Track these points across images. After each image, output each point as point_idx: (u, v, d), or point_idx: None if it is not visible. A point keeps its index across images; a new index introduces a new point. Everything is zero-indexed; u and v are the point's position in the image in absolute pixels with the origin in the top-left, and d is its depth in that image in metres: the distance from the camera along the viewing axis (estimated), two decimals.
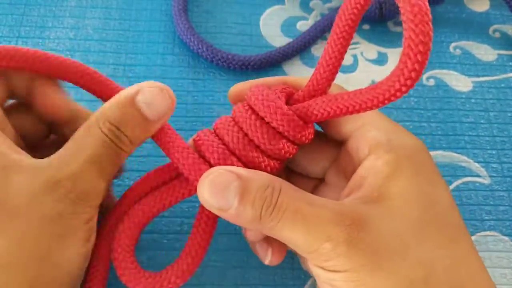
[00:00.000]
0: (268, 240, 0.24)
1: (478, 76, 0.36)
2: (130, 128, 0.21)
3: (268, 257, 0.24)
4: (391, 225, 0.19)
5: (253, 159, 0.21)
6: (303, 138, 0.22)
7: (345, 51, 0.21)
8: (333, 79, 0.21)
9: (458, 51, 0.37)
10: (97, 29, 0.35)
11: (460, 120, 0.34)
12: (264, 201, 0.19)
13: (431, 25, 0.16)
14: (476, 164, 0.32)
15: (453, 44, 0.37)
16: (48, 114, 0.23)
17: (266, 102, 0.21)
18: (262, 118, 0.21)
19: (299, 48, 0.35)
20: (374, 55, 0.36)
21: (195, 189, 0.22)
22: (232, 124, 0.22)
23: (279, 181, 0.20)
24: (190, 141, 0.24)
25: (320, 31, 0.36)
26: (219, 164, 0.21)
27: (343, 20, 0.20)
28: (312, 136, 0.22)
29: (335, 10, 0.36)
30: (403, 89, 0.17)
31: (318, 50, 0.36)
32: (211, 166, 0.22)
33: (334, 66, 0.21)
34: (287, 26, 0.37)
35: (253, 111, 0.22)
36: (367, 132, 0.22)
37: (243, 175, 0.20)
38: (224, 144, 0.22)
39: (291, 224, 0.19)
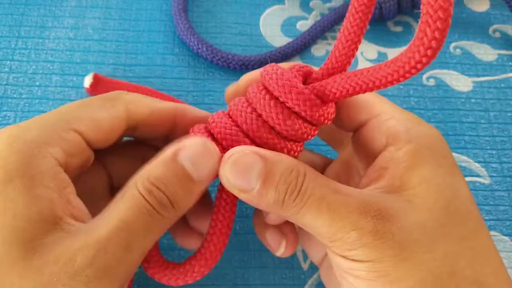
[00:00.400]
0: (282, 231, 0.24)
1: (478, 76, 0.36)
2: (171, 188, 0.19)
3: (281, 249, 0.24)
4: (415, 217, 0.19)
5: (268, 141, 0.20)
6: (322, 118, 0.20)
7: (366, 25, 0.19)
8: (353, 55, 0.20)
9: (458, 51, 0.37)
10: (97, 29, 0.35)
11: (460, 120, 0.34)
12: (288, 185, 0.19)
13: None
14: (476, 164, 0.32)
15: (453, 44, 0.37)
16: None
17: (280, 81, 0.20)
18: (277, 98, 0.20)
19: (299, 48, 0.35)
20: (374, 55, 0.36)
21: None
22: (246, 105, 0.21)
23: (303, 166, 0.19)
24: None
25: (320, 31, 0.36)
26: (232, 147, 0.20)
27: None
28: (333, 116, 0.21)
29: (335, 10, 0.36)
30: (424, 60, 0.16)
31: (318, 50, 0.36)
32: (223, 148, 0.21)
33: (354, 41, 0.20)
34: (287, 26, 0.37)
35: (268, 91, 0.21)
36: (385, 122, 0.21)
37: (268, 157, 0.19)
38: (237, 126, 0.21)
39: (315, 211, 0.18)
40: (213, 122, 0.21)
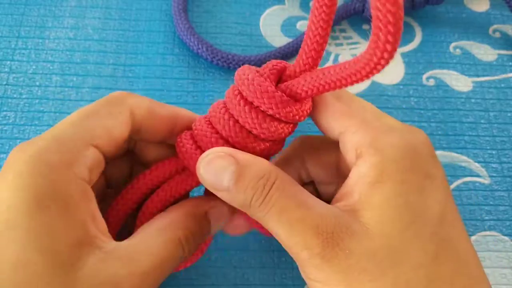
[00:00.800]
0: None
1: (478, 76, 0.36)
2: (198, 239, 0.22)
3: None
4: (367, 243, 0.18)
5: (247, 145, 0.21)
6: (297, 117, 0.21)
7: (331, 18, 0.19)
8: (322, 49, 0.20)
9: (458, 51, 0.37)
10: (97, 29, 0.35)
11: (460, 120, 0.34)
12: (255, 191, 0.19)
13: None
14: (476, 164, 0.32)
15: (453, 44, 0.37)
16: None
17: (251, 87, 0.21)
18: (251, 103, 0.21)
19: (299, 48, 0.35)
20: None
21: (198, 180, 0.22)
22: (223, 111, 0.21)
23: (275, 173, 0.20)
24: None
25: None
26: None
27: None
28: (309, 112, 0.22)
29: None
30: (382, 62, 0.16)
31: None
32: None
33: (321, 36, 0.20)
34: (287, 26, 0.37)
35: (242, 96, 0.21)
36: (352, 135, 0.20)
37: (241, 160, 0.20)
38: (217, 132, 0.22)
39: (276, 221, 0.19)
40: (195, 129, 0.22)
